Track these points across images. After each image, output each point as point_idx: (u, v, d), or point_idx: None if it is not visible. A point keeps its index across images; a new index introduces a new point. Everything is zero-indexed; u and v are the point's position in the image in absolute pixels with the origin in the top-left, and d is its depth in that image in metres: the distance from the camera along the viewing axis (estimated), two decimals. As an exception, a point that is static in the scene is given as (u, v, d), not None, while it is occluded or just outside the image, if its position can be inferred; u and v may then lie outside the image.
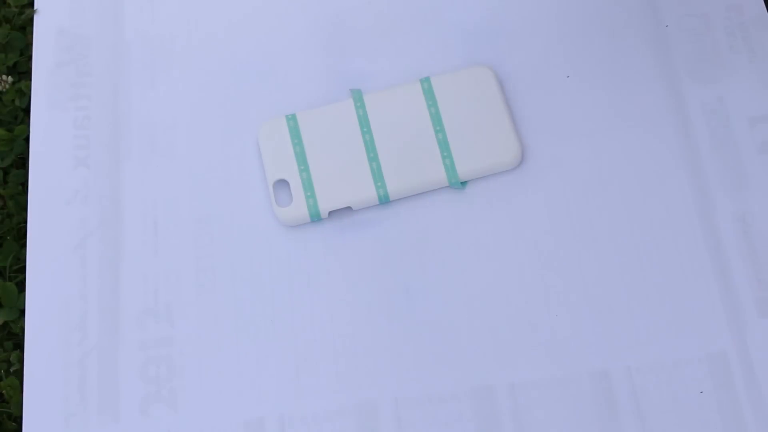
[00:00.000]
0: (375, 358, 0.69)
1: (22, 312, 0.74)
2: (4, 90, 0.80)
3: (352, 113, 0.74)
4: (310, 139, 0.73)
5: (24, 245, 0.76)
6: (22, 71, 0.82)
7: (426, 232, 0.71)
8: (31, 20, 0.81)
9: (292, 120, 0.74)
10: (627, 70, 0.75)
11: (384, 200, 0.71)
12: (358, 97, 0.74)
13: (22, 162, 0.79)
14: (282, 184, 0.73)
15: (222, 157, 0.75)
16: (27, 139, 0.78)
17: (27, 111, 0.80)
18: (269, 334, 0.70)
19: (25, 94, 0.80)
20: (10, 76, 0.80)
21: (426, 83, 0.74)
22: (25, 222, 0.76)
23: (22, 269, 0.76)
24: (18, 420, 0.72)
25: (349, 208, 0.72)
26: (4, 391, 0.72)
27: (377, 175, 0.72)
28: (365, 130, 0.73)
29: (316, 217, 0.71)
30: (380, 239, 0.71)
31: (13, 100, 0.80)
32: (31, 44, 0.80)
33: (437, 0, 0.78)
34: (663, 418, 0.66)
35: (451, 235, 0.71)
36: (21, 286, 0.75)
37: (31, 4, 0.82)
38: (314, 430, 0.67)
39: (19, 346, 0.74)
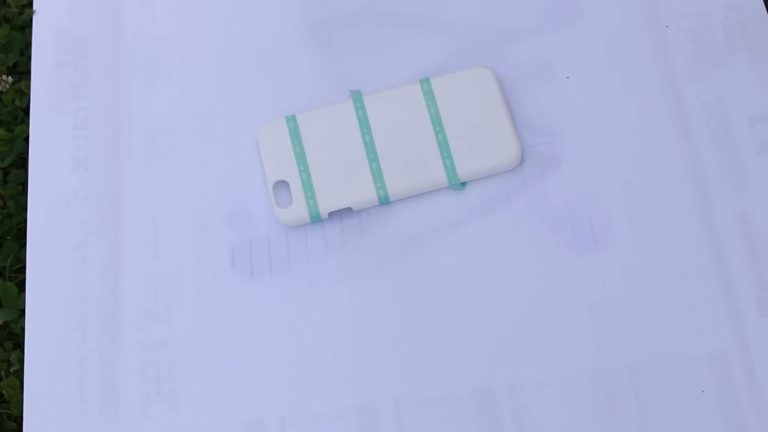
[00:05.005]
0: (375, 359, 0.69)
1: (22, 312, 0.74)
2: (4, 90, 0.80)
3: (352, 114, 0.74)
4: (309, 140, 0.73)
5: (24, 245, 0.76)
6: (22, 71, 0.82)
7: (426, 233, 0.71)
8: (30, 20, 0.81)
9: (291, 121, 0.74)
10: (627, 70, 0.75)
11: (384, 201, 0.72)
12: (357, 98, 0.74)
13: (22, 162, 0.79)
14: (282, 184, 0.73)
15: (222, 158, 0.75)
16: (27, 139, 0.78)
17: (27, 111, 0.80)
18: (269, 334, 0.70)
19: (25, 94, 0.80)
20: (10, 76, 0.80)
21: (426, 84, 0.74)
22: (25, 222, 0.76)
23: (22, 269, 0.76)
24: (18, 420, 0.72)
25: (349, 208, 0.72)
26: (4, 391, 0.72)
27: (377, 176, 0.72)
28: (365, 131, 0.73)
29: (316, 218, 0.71)
30: (380, 240, 0.71)
31: (13, 100, 0.80)
32: (31, 44, 0.80)
33: (437, 1, 0.78)
34: (664, 417, 0.66)
35: (451, 235, 0.71)
36: (21, 286, 0.75)
37: (31, 4, 0.82)
38: (315, 430, 0.67)
39: (19, 346, 0.74)
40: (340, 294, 0.70)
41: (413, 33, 0.77)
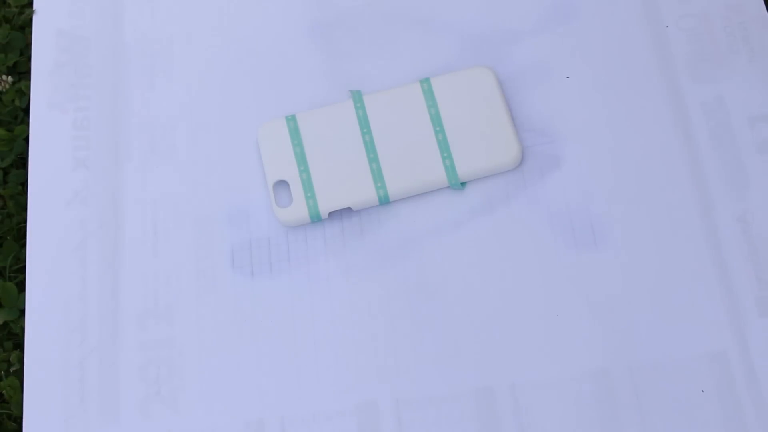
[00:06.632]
0: (375, 359, 0.69)
1: (22, 312, 0.74)
2: (4, 90, 0.80)
3: (352, 114, 0.74)
4: (310, 139, 0.73)
5: (24, 245, 0.76)
6: (22, 71, 0.82)
7: (426, 232, 0.71)
8: (30, 20, 0.81)
9: (291, 121, 0.74)
10: (627, 70, 0.75)
11: (384, 201, 0.71)
12: (357, 97, 0.74)
13: (22, 162, 0.79)
14: (282, 184, 0.73)
15: (222, 158, 0.75)
16: (27, 139, 0.78)
17: (27, 111, 0.80)
18: (269, 334, 0.70)
19: (25, 94, 0.80)
20: (10, 76, 0.80)
21: (426, 84, 0.74)
22: (25, 222, 0.76)
23: (22, 269, 0.76)
24: (18, 420, 0.72)
25: (349, 208, 0.72)
26: (4, 391, 0.72)
27: (377, 176, 0.72)
28: (365, 130, 0.73)
29: (316, 218, 0.71)
30: (380, 240, 0.71)
31: (13, 100, 0.80)
32: (31, 44, 0.80)
33: (437, 1, 0.78)
34: (664, 417, 0.66)
35: (451, 235, 0.71)
36: (21, 286, 0.75)
37: (31, 4, 0.82)
38: (315, 430, 0.67)
39: (19, 346, 0.74)
40: (340, 294, 0.70)
41: (413, 33, 0.77)
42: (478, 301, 0.69)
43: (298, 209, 0.71)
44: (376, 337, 0.69)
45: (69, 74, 0.78)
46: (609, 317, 0.68)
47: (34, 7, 0.80)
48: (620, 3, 0.77)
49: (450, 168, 0.72)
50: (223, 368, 0.69)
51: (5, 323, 0.74)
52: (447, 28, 0.77)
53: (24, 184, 0.78)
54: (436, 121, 0.73)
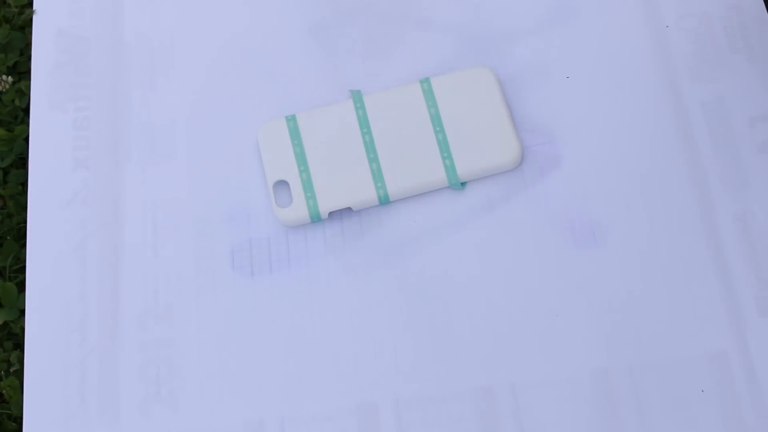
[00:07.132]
0: (375, 359, 0.69)
1: (22, 312, 0.74)
2: (4, 90, 0.80)
3: (352, 114, 0.74)
4: (310, 140, 0.73)
5: (24, 245, 0.76)
6: (22, 71, 0.82)
7: (426, 233, 0.71)
8: (30, 20, 0.81)
9: (291, 121, 0.74)
10: (627, 70, 0.75)
11: (384, 201, 0.71)
12: (357, 97, 0.74)
13: (22, 162, 0.79)
14: (282, 184, 0.73)
15: (222, 158, 0.75)
16: (27, 139, 0.78)
17: (27, 111, 0.80)
18: (269, 334, 0.70)
19: (25, 94, 0.80)
20: (10, 76, 0.80)
21: (426, 84, 0.74)
22: (25, 222, 0.76)
23: (22, 269, 0.76)
24: (18, 420, 0.72)
25: (349, 208, 0.72)
26: (4, 391, 0.72)
27: (377, 176, 0.72)
28: (365, 130, 0.73)
29: (316, 218, 0.71)
30: (380, 240, 0.71)
31: (13, 100, 0.80)
32: (31, 44, 0.80)
33: (437, 1, 0.78)
34: (664, 417, 0.66)
35: (451, 235, 0.71)
36: (21, 286, 0.75)
37: (31, 4, 0.82)
38: (315, 430, 0.67)
39: (19, 346, 0.74)
40: (340, 294, 0.70)
41: (413, 33, 0.77)
42: (478, 300, 0.69)
43: (298, 209, 0.71)
44: (376, 337, 0.69)
45: (69, 74, 0.78)
46: (609, 317, 0.68)
47: (34, 7, 0.80)
48: (620, 3, 0.77)
49: (450, 168, 0.72)
50: (223, 368, 0.69)
51: (5, 323, 0.74)
52: (447, 28, 0.77)
53: (24, 184, 0.78)
54: (436, 121, 0.73)
